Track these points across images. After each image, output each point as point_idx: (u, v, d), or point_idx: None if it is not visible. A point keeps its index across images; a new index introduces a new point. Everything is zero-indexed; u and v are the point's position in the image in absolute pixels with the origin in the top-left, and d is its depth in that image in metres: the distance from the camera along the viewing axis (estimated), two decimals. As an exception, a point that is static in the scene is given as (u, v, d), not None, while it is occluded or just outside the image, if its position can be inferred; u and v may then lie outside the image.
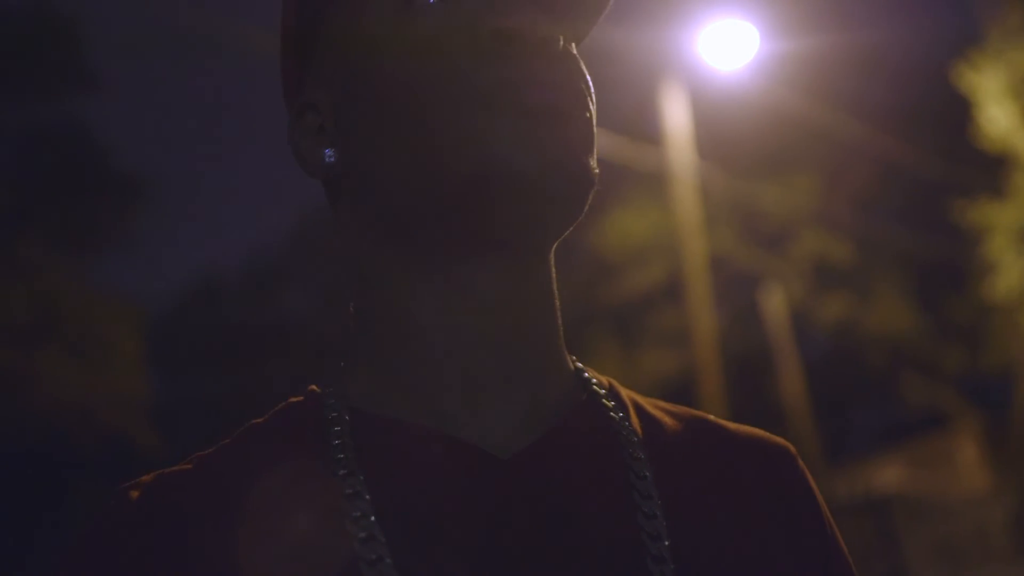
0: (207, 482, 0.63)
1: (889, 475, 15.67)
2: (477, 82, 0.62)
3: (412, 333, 0.66)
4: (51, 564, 0.63)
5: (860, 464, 16.47)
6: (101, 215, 12.87)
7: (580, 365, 0.74)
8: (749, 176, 13.29)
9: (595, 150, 0.66)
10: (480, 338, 0.65)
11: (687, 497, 0.67)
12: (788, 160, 14.02)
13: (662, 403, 0.76)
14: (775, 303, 14.84)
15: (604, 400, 0.71)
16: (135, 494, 0.63)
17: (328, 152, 0.69)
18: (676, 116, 9.59)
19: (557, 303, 0.70)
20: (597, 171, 0.65)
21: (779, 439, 0.77)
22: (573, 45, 0.69)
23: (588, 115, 0.65)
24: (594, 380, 0.73)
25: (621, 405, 0.72)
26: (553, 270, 0.70)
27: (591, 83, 0.67)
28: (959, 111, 11.59)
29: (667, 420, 0.73)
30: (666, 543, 0.63)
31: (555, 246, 0.70)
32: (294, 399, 0.70)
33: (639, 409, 0.73)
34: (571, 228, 0.67)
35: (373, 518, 0.60)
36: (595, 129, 0.66)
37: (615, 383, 0.75)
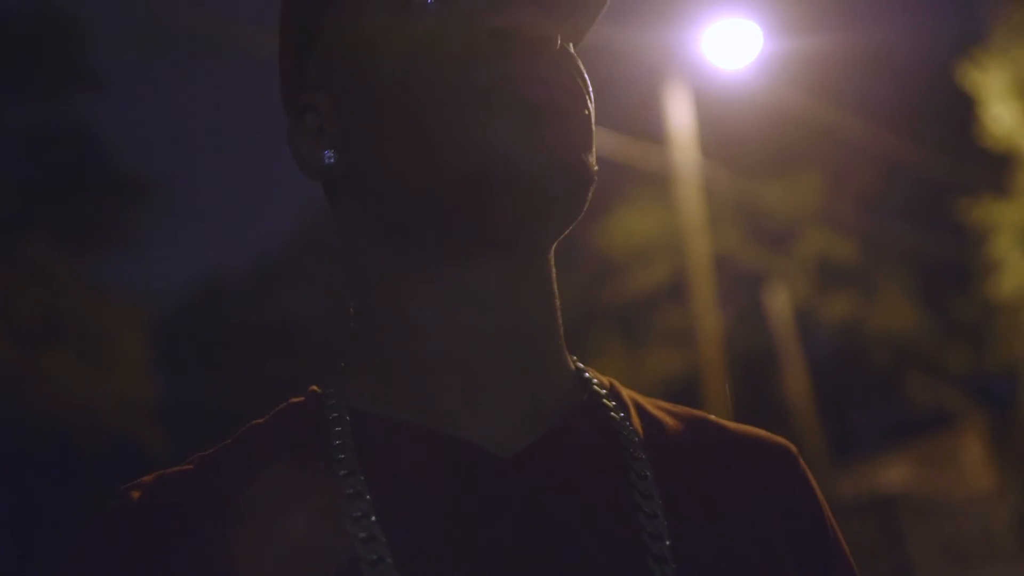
0: (208, 482, 0.63)
1: (894, 474, 15.65)
2: (476, 80, 0.62)
3: (412, 333, 0.66)
4: (53, 564, 0.63)
5: (865, 463, 16.45)
6: (106, 216, 12.89)
7: (581, 365, 0.74)
8: (753, 175, 13.28)
9: (594, 148, 0.66)
10: (480, 338, 0.65)
11: (688, 497, 0.67)
12: (792, 159, 14.01)
13: (663, 403, 0.76)
14: (779, 302, 14.83)
15: (605, 400, 0.71)
16: (136, 495, 0.63)
17: (328, 153, 0.69)
18: (680, 115, 9.58)
19: (557, 303, 0.70)
20: (596, 168, 0.65)
21: (780, 439, 0.76)
22: (571, 45, 0.69)
23: (587, 112, 0.65)
24: (595, 380, 0.72)
25: (622, 405, 0.72)
26: (553, 270, 0.70)
27: (589, 81, 0.67)
28: (963, 110, 11.57)
29: (668, 420, 0.73)
30: (667, 543, 0.63)
31: (555, 246, 0.70)
32: (295, 399, 0.70)
33: (640, 409, 0.73)
34: (571, 226, 0.67)
35: (374, 518, 0.60)
36: (593, 127, 0.66)
37: (616, 383, 0.75)
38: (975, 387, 15.91)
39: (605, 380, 0.74)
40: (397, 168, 0.65)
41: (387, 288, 0.67)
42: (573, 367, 0.72)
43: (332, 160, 0.69)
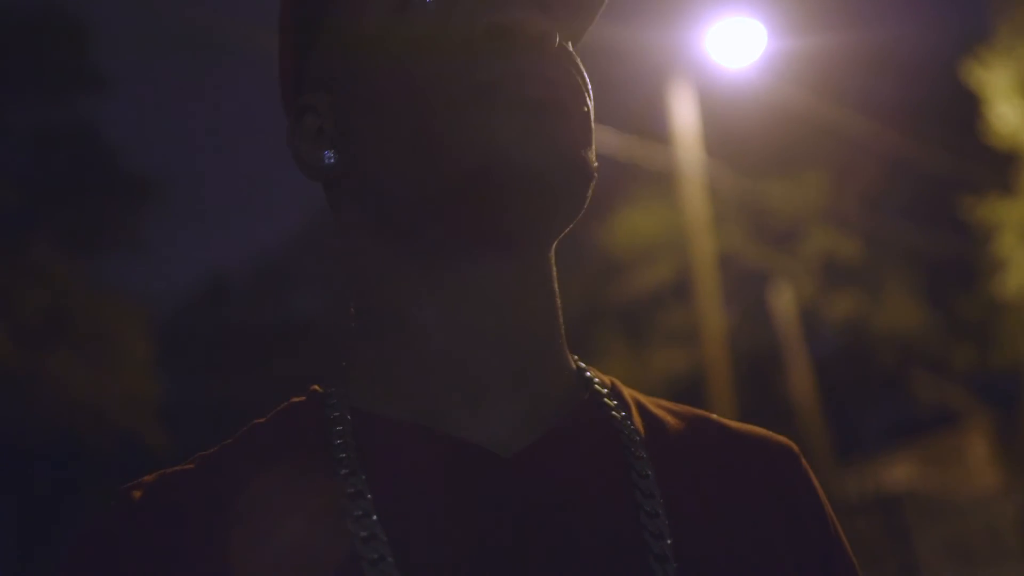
0: (209, 482, 0.64)
1: (899, 473, 15.63)
2: (476, 77, 0.62)
3: (413, 333, 0.66)
4: (55, 563, 0.63)
5: (870, 462, 16.43)
6: (110, 216, 12.91)
7: (582, 364, 0.74)
8: (757, 174, 13.27)
9: (593, 144, 0.66)
10: (481, 337, 0.65)
11: (689, 496, 0.67)
12: (796, 157, 14.00)
13: (665, 402, 0.76)
14: (784, 301, 14.82)
15: (606, 399, 0.71)
16: (137, 494, 0.63)
17: (328, 154, 0.69)
18: (684, 114, 9.58)
19: (558, 302, 0.70)
20: (596, 165, 0.65)
21: (782, 438, 0.76)
22: (570, 44, 0.69)
23: (586, 109, 0.65)
24: (596, 379, 0.72)
25: (623, 404, 0.72)
26: (554, 269, 0.70)
27: (588, 79, 0.67)
28: (968, 108, 11.55)
29: (669, 419, 0.73)
30: (668, 542, 0.63)
31: (556, 245, 0.70)
32: (296, 399, 0.71)
33: (641, 408, 0.73)
34: (571, 224, 0.67)
35: (375, 517, 0.60)
36: (593, 124, 0.66)
37: (617, 382, 0.75)
38: (980, 386, 15.89)
39: (606, 379, 0.74)
40: (397, 167, 0.65)
41: (387, 288, 0.67)
42: (574, 366, 0.72)
43: (332, 160, 0.69)
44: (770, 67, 10.69)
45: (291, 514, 0.61)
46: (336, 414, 0.66)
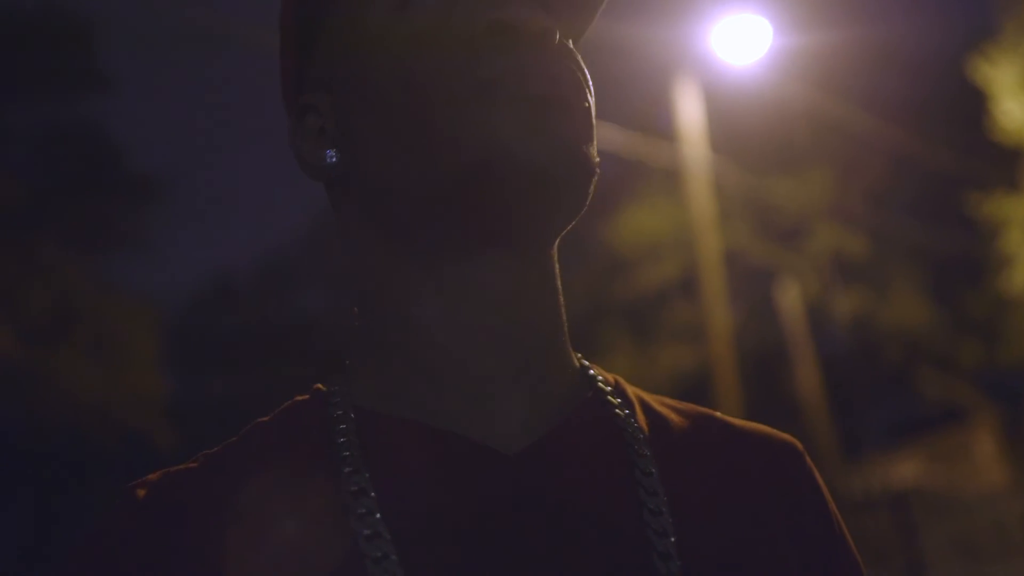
0: (213, 480, 0.64)
1: (906, 470, 15.60)
2: (475, 74, 0.62)
3: (416, 331, 0.66)
4: (60, 562, 0.63)
5: (877, 459, 16.40)
6: (116, 215, 12.93)
7: (586, 362, 0.73)
8: (763, 171, 13.25)
9: (595, 141, 0.66)
10: (484, 336, 0.65)
11: (693, 494, 0.67)
12: (802, 154, 13.97)
13: (668, 400, 0.76)
14: (790, 298, 14.80)
15: (609, 397, 0.71)
16: (141, 492, 0.64)
17: (329, 153, 0.69)
18: (690, 111, 9.56)
19: (561, 300, 0.70)
20: (598, 161, 0.65)
21: (786, 436, 0.76)
22: (571, 42, 0.69)
23: (587, 105, 0.65)
24: (599, 377, 0.72)
25: (627, 402, 0.72)
26: (557, 267, 0.70)
27: (589, 76, 0.67)
28: (974, 104, 11.52)
29: (673, 417, 0.73)
30: (672, 540, 0.63)
31: (557, 243, 0.69)
32: (300, 397, 0.71)
33: (645, 406, 0.73)
34: (573, 221, 0.67)
35: (378, 515, 0.60)
36: (594, 120, 0.66)
37: (621, 380, 0.75)
38: (987, 382, 15.85)
39: (610, 377, 0.74)
40: (399, 165, 0.65)
41: (390, 287, 0.67)
42: (578, 364, 0.72)
43: (334, 160, 0.69)
44: (775, 64, 10.67)
45: (295, 512, 0.61)
46: (339, 412, 0.66)
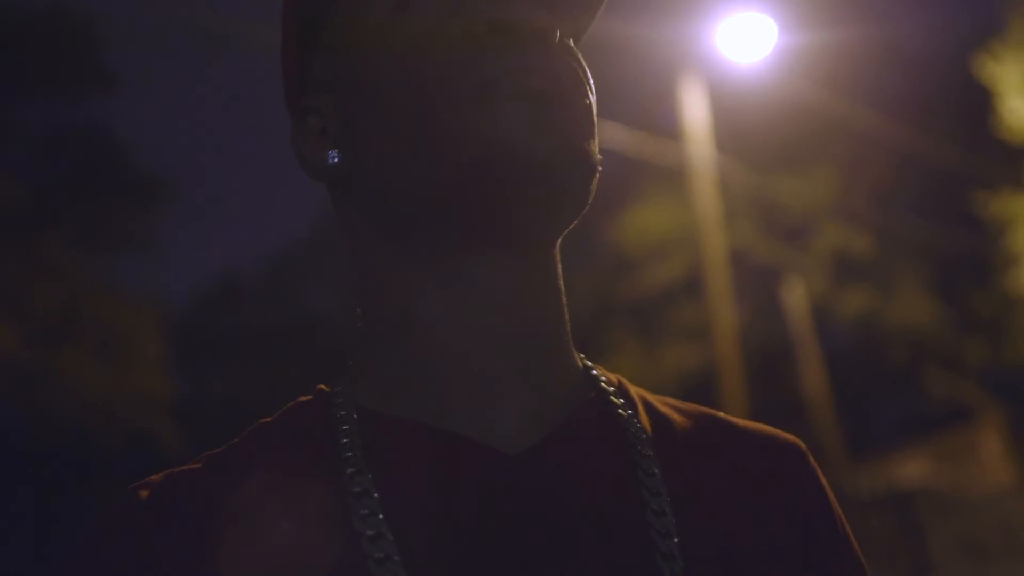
0: (216, 481, 0.64)
1: (912, 469, 15.58)
2: (477, 72, 0.62)
3: (418, 331, 0.66)
4: (61, 562, 0.63)
5: (883, 458, 16.38)
6: (122, 215, 12.95)
7: (589, 363, 0.73)
8: (768, 169, 13.23)
9: (596, 137, 0.66)
10: (486, 335, 0.65)
11: (696, 494, 0.67)
12: (807, 153, 13.95)
13: (672, 400, 0.76)
14: (796, 297, 14.78)
15: (612, 397, 0.71)
16: (144, 493, 0.64)
17: (331, 154, 0.69)
18: (695, 110, 9.56)
19: (564, 300, 0.70)
20: (600, 158, 0.65)
21: (789, 436, 0.76)
22: (572, 41, 0.69)
23: (588, 102, 0.65)
24: (603, 378, 0.72)
25: (630, 402, 0.71)
26: (559, 267, 0.70)
27: (590, 74, 0.67)
28: (980, 102, 11.51)
29: (676, 417, 0.73)
30: (675, 540, 0.63)
31: (560, 242, 0.69)
32: (303, 398, 0.71)
33: (648, 406, 0.73)
34: (576, 219, 0.67)
35: (381, 516, 0.60)
36: (596, 118, 0.66)
37: (624, 380, 0.74)
38: (993, 381, 15.83)
39: (613, 377, 0.74)
40: (401, 164, 0.65)
41: (392, 287, 0.67)
42: (580, 364, 0.72)
43: (336, 160, 0.69)
44: (780, 62, 10.66)
45: (297, 513, 0.61)
46: (342, 413, 0.66)
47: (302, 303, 21.74)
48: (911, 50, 15.08)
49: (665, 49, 9.83)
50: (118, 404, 10.91)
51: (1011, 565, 10.73)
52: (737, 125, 12.22)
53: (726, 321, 9.17)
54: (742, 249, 13.78)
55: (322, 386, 0.71)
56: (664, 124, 10.72)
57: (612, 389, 0.72)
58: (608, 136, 9.00)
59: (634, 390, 0.74)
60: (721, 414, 0.76)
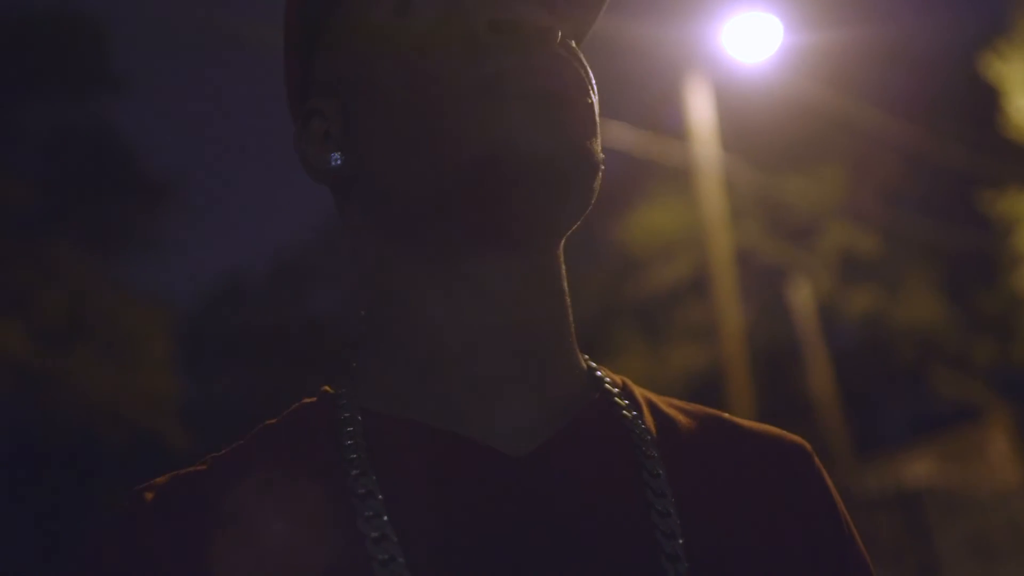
0: (221, 483, 0.64)
1: (920, 468, 15.54)
2: (479, 72, 0.62)
3: (422, 333, 0.66)
4: (66, 563, 0.63)
5: (890, 458, 16.35)
6: (129, 216, 12.97)
7: (593, 364, 0.73)
8: (774, 169, 13.21)
9: (599, 137, 0.66)
10: (490, 337, 0.65)
11: (701, 495, 0.67)
12: (813, 152, 13.93)
13: (677, 401, 0.76)
14: (802, 296, 14.76)
15: (617, 398, 0.71)
16: (149, 496, 0.64)
17: (335, 156, 0.69)
18: (700, 109, 9.55)
19: (568, 301, 0.70)
20: (602, 157, 0.65)
21: (795, 437, 0.76)
22: (573, 43, 0.69)
23: (590, 101, 0.65)
24: (607, 379, 0.72)
25: (634, 403, 0.71)
26: (563, 268, 0.70)
27: (592, 74, 0.67)
28: (986, 101, 11.48)
29: (681, 418, 0.73)
30: (680, 541, 0.63)
31: (563, 243, 0.69)
32: (307, 400, 0.71)
33: (653, 407, 0.73)
34: (579, 219, 0.67)
35: (385, 518, 0.60)
36: (598, 117, 0.66)
37: (628, 381, 0.74)
38: (1001, 381, 15.78)
39: (617, 379, 0.74)
40: (404, 165, 0.65)
41: (395, 289, 0.68)
42: (585, 366, 0.72)
43: (339, 163, 0.69)
44: (786, 62, 10.65)
45: (302, 515, 0.61)
46: (347, 415, 0.66)
47: (309, 303, 21.76)
48: (917, 49, 15.07)
49: (671, 49, 9.83)
50: (125, 404, 10.92)
51: (1019, 565, 10.71)
52: (743, 125, 12.21)
53: (732, 321, 9.16)
54: (748, 249, 13.76)
55: (326, 388, 0.71)
56: (670, 124, 10.71)
57: (616, 390, 0.71)
58: (614, 136, 9.00)
59: (639, 391, 0.74)
60: (726, 415, 0.76)
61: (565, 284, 0.70)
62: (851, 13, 13.66)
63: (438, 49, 0.64)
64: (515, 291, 0.66)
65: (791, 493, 0.71)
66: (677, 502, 0.65)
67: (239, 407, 17.51)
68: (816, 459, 0.75)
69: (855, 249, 14.37)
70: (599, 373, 0.72)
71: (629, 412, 0.70)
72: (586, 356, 0.73)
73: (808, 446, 0.76)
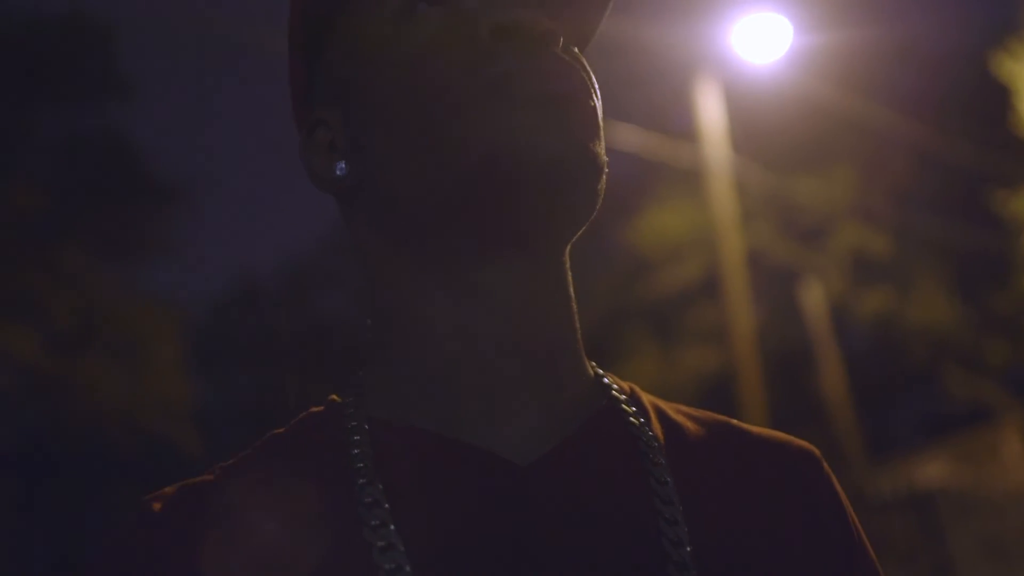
0: (228, 493, 0.64)
1: (933, 470, 15.48)
2: (481, 76, 0.62)
3: (428, 341, 0.66)
4: (74, 574, 0.64)
5: (903, 459, 16.28)
6: (140, 220, 13.00)
7: (600, 371, 0.73)
8: (785, 170, 13.19)
9: (602, 139, 0.65)
10: (496, 344, 0.65)
11: (709, 502, 0.67)
12: (824, 153, 13.90)
13: (684, 408, 0.76)
14: (814, 297, 14.72)
15: (624, 405, 0.70)
16: (157, 506, 0.64)
17: (340, 165, 0.69)
18: (710, 111, 9.53)
19: (575, 308, 0.70)
20: (606, 159, 0.65)
21: (803, 442, 0.76)
22: (577, 48, 0.69)
23: (593, 104, 0.65)
24: (614, 386, 0.72)
25: (642, 410, 0.71)
26: (569, 274, 0.69)
27: (595, 79, 0.67)
28: (998, 100, 11.44)
29: (689, 425, 0.73)
30: (688, 549, 0.62)
31: (569, 249, 0.69)
32: (315, 409, 0.71)
33: (660, 414, 0.72)
34: (585, 222, 0.67)
35: (392, 527, 0.60)
36: (601, 120, 0.66)
37: (636, 388, 0.74)
38: (1014, 381, 15.71)
39: (624, 385, 0.73)
40: (408, 173, 0.65)
41: (401, 297, 0.67)
42: (592, 372, 0.72)
43: (344, 172, 0.69)
44: (796, 62, 10.62)
45: (309, 524, 0.61)
46: (353, 423, 0.66)
47: (321, 307, 21.79)
48: (927, 48, 15.02)
49: (680, 50, 9.82)
50: (137, 409, 10.95)
51: (1033, 566, 10.65)
52: (753, 126, 12.18)
53: (744, 323, 9.13)
54: (759, 250, 13.73)
55: (334, 396, 0.71)
56: (680, 125, 10.70)
57: (624, 397, 0.71)
58: (623, 138, 9.00)
59: (646, 398, 0.74)
60: (734, 421, 0.76)
61: (572, 291, 0.69)
62: (861, 13, 13.63)
63: (441, 55, 0.64)
64: (521, 298, 0.65)
65: (800, 499, 0.71)
66: (685, 510, 0.64)
67: (251, 411, 17.53)
68: (825, 465, 0.75)
69: (866, 250, 14.32)
70: (606, 380, 0.72)
71: (636, 419, 0.69)
72: (593, 363, 0.73)
73: (817, 452, 0.75)
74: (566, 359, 0.68)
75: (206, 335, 17.95)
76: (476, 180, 0.62)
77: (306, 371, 17.38)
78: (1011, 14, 11.74)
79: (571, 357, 0.69)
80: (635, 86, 11.77)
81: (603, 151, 0.65)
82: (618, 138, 8.77)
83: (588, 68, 0.67)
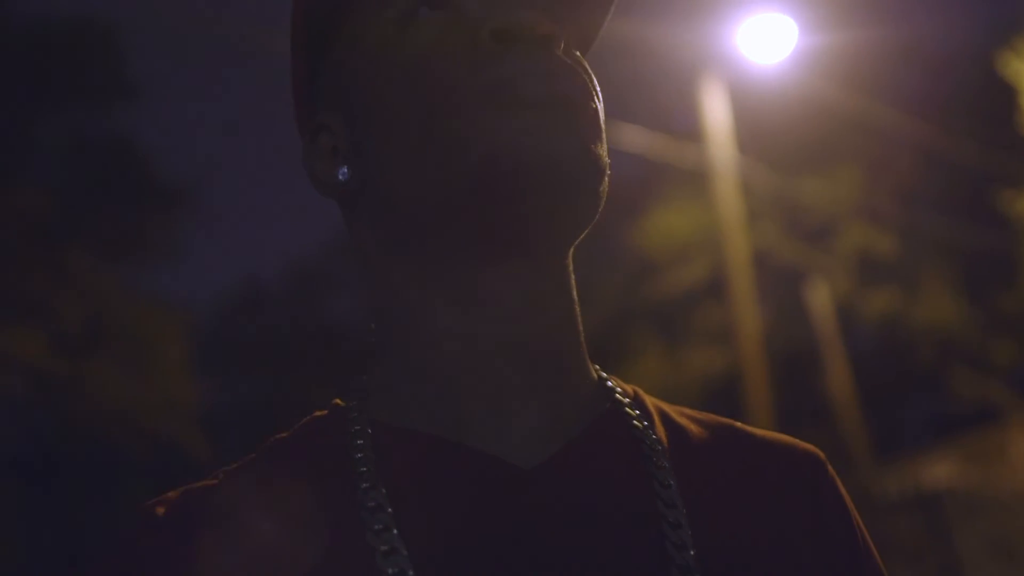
0: (232, 497, 0.64)
1: (940, 470, 15.45)
2: (483, 79, 0.62)
3: (431, 344, 0.66)
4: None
5: (910, 459, 16.24)
6: (146, 223, 13.02)
7: (604, 374, 0.73)
8: (790, 170, 13.17)
9: (604, 141, 0.65)
10: (499, 347, 0.65)
11: (713, 506, 0.66)
12: (829, 153, 13.88)
13: (689, 411, 0.76)
14: (820, 298, 14.70)
15: (628, 409, 0.70)
16: (160, 510, 0.64)
17: (342, 170, 0.69)
18: (716, 111, 9.53)
19: (578, 311, 0.69)
20: (608, 161, 0.65)
21: (808, 446, 0.76)
22: (579, 51, 0.70)
23: (595, 106, 0.65)
24: (618, 389, 0.72)
25: (646, 414, 0.71)
26: (572, 277, 0.69)
27: (596, 82, 0.67)
28: (1003, 100, 11.42)
29: (693, 428, 0.72)
30: (692, 553, 0.62)
31: (571, 252, 0.69)
32: (318, 413, 0.71)
33: (664, 417, 0.72)
34: (587, 225, 0.67)
35: (395, 531, 0.60)
36: (603, 123, 0.66)
37: (640, 391, 0.74)
38: (1021, 381, 15.68)
39: (628, 388, 0.73)
40: (410, 176, 0.65)
41: (404, 301, 0.67)
42: (595, 375, 0.72)
43: (346, 177, 0.69)
44: (801, 63, 10.62)
45: (312, 528, 0.61)
46: (357, 427, 0.66)
47: (327, 309, 21.80)
48: (932, 48, 15.00)
49: (685, 51, 9.82)
50: (143, 412, 10.97)
51: (1041, 567, 10.63)
52: (758, 126, 12.17)
53: (750, 323, 9.12)
54: (765, 250, 13.71)
55: (337, 400, 0.71)
56: (685, 126, 10.71)
57: (627, 400, 0.71)
58: (629, 138, 8.99)
59: (650, 401, 0.73)
60: (739, 424, 0.75)
61: (574, 294, 0.69)
62: (866, 13, 13.62)
63: (442, 57, 0.64)
64: (523, 301, 0.65)
65: (804, 503, 0.71)
66: (689, 513, 0.64)
67: (258, 414, 17.55)
68: (830, 468, 0.75)
69: (872, 250, 14.30)
70: (610, 383, 0.72)
71: (640, 422, 0.69)
72: (597, 366, 0.73)
73: (821, 455, 0.75)
74: (569, 362, 0.68)
75: (212, 338, 17.97)
76: (477, 181, 0.61)
77: (313, 374, 17.38)
78: (1017, 14, 11.72)
79: (574, 360, 0.69)
80: (640, 87, 11.77)
81: (605, 153, 0.65)
82: (623, 139, 8.77)
83: (590, 71, 0.67)
